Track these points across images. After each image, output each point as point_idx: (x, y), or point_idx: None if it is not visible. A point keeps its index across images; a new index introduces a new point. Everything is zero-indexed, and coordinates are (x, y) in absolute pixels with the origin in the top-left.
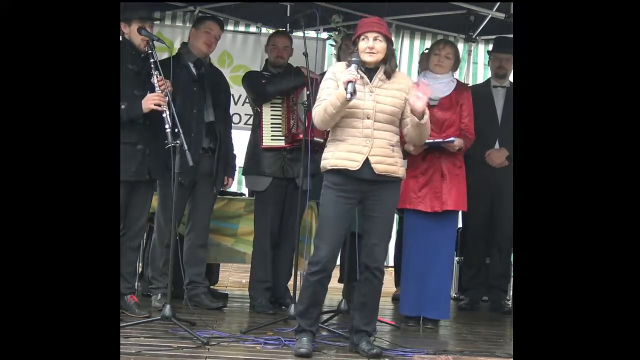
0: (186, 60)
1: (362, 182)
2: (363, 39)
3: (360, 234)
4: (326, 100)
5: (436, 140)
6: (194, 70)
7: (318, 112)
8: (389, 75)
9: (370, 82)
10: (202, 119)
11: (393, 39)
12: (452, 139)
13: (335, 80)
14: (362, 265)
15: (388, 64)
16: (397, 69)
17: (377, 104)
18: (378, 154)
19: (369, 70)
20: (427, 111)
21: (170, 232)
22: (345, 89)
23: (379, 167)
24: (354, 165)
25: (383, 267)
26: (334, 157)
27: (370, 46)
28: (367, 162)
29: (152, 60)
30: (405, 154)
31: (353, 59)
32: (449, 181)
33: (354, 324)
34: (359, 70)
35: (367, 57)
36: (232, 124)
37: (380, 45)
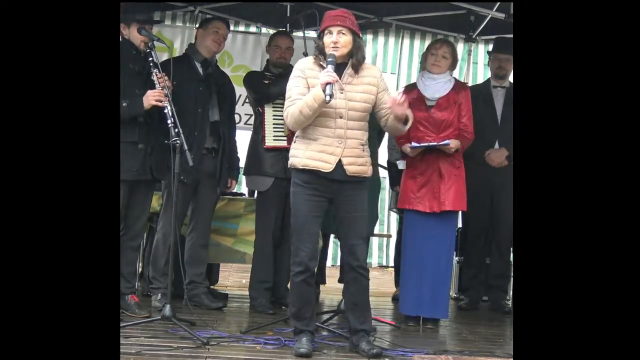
0: (193, 60)
1: (332, 182)
2: (327, 34)
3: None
4: (300, 100)
5: (431, 143)
6: (200, 70)
7: (292, 113)
8: (356, 69)
9: (340, 78)
10: (206, 118)
11: (393, 38)
12: (447, 142)
13: (304, 78)
14: (346, 266)
15: (355, 57)
16: (364, 61)
17: (349, 102)
18: (350, 155)
19: (337, 66)
20: (411, 115)
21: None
22: (324, 91)
23: (350, 169)
24: (327, 167)
25: (366, 264)
26: (305, 156)
27: (334, 40)
28: (339, 164)
29: (150, 59)
30: (404, 155)
31: (329, 59)
32: (447, 181)
33: (351, 325)
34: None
35: (331, 52)
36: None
37: (345, 38)
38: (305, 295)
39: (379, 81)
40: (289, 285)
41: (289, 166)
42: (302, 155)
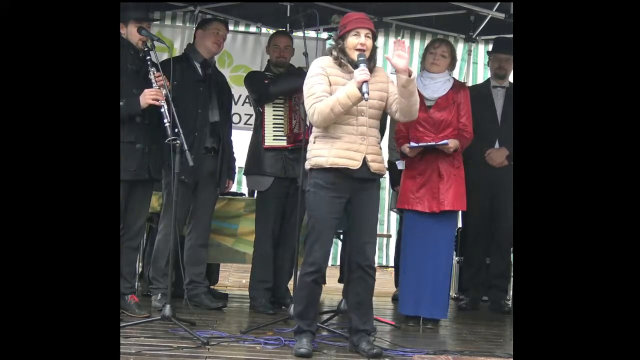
0: (192, 60)
1: (355, 180)
2: (355, 35)
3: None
4: (330, 98)
5: (430, 142)
6: (200, 70)
7: (321, 110)
8: (371, 70)
9: None
10: (206, 118)
11: (393, 38)
12: (445, 141)
13: (326, 76)
14: (354, 264)
15: (372, 60)
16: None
17: (369, 100)
18: (372, 152)
19: (356, 67)
20: (413, 71)
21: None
22: (359, 89)
23: (374, 166)
24: (355, 164)
25: (374, 264)
26: (332, 154)
27: (362, 43)
28: (364, 161)
29: (148, 58)
30: (403, 155)
31: (360, 58)
32: (446, 181)
33: (352, 325)
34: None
35: (357, 54)
36: (232, 124)
37: (370, 42)
38: (312, 295)
39: (387, 77)
40: (289, 285)
41: (310, 166)
42: (327, 154)
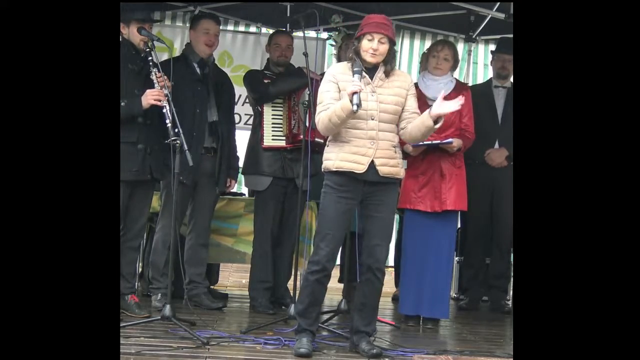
0: (191, 60)
1: (365, 183)
2: (369, 39)
3: (360, 234)
4: (330, 108)
5: (434, 141)
6: (197, 70)
7: (322, 120)
8: (388, 74)
9: (372, 81)
10: (204, 118)
11: None
12: (450, 140)
13: (335, 83)
14: (364, 266)
15: (388, 64)
16: (395, 68)
17: (380, 104)
18: (382, 156)
19: (369, 70)
20: (442, 118)
21: (175, 232)
22: (351, 101)
23: (383, 170)
24: (360, 168)
25: (384, 267)
26: (338, 158)
27: (375, 48)
28: (372, 165)
29: (149, 58)
30: (405, 155)
31: (355, 68)
32: (448, 181)
33: (354, 325)
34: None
35: (368, 57)
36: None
37: (384, 47)
38: (316, 294)
39: (410, 86)
40: (288, 285)
41: (322, 169)
42: (335, 158)
